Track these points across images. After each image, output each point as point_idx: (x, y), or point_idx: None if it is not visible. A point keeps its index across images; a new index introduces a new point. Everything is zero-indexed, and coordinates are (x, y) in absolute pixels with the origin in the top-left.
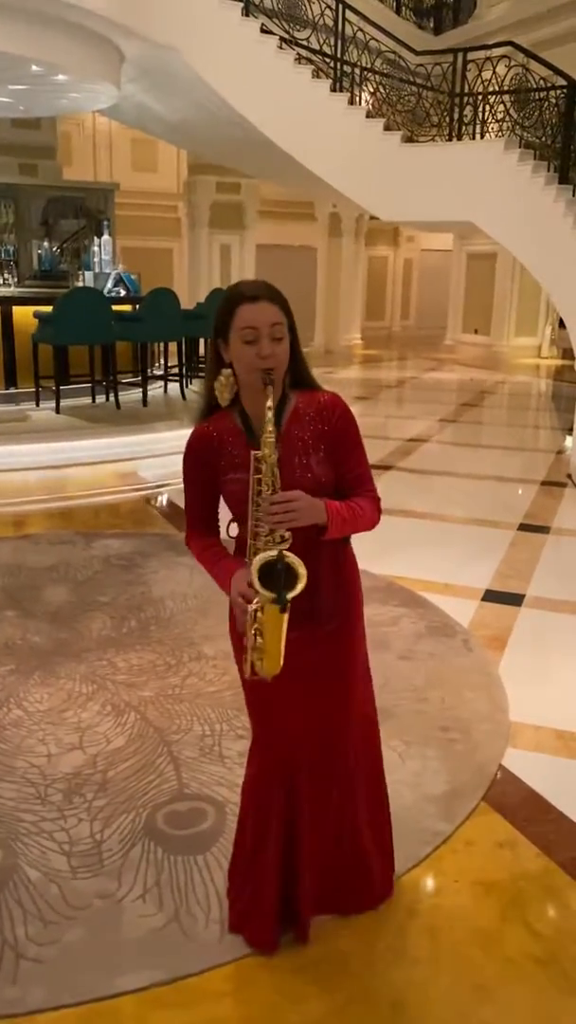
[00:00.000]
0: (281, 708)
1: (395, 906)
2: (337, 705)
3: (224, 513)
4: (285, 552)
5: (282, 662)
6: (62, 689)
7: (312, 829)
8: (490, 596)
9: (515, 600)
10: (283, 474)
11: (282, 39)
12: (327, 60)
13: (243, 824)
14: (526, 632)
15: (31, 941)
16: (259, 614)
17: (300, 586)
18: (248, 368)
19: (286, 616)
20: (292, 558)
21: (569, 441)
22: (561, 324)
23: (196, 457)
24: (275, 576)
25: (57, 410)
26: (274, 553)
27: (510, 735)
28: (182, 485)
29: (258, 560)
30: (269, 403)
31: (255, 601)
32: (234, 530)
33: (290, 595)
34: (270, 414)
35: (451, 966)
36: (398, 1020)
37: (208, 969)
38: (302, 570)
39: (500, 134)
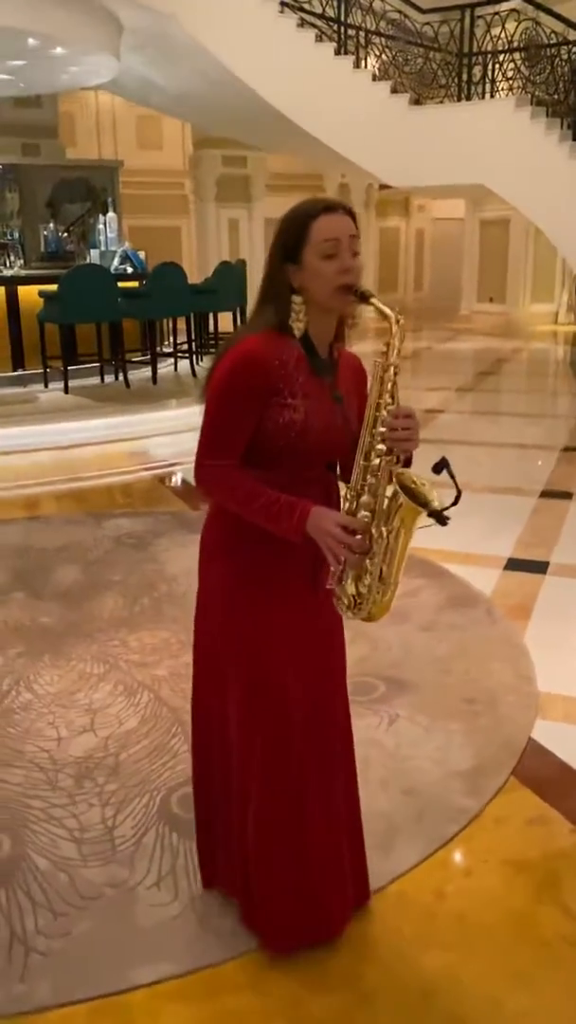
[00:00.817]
0: (290, 672)
1: (422, 889)
2: (336, 668)
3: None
4: (442, 462)
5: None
6: (73, 670)
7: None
8: (513, 565)
9: (539, 568)
10: (344, 413)
11: (283, 3)
12: (331, 24)
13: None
14: (552, 600)
15: (40, 933)
16: (392, 539)
17: (451, 500)
18: (329, 284)
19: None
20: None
21: None
22: None
23: (255, 370)
24: (419, 493)
25: (66, 390)
26: (411, 474)
27: (539, 706)
28: (212, 405)
29: (398, 475)
30: (388, 312)
31: (379, 529)
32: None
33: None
34: (399, 322)
35: (483, 951)
36: (429, 1010)
37: (226, 960)
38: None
39: (510, 92)
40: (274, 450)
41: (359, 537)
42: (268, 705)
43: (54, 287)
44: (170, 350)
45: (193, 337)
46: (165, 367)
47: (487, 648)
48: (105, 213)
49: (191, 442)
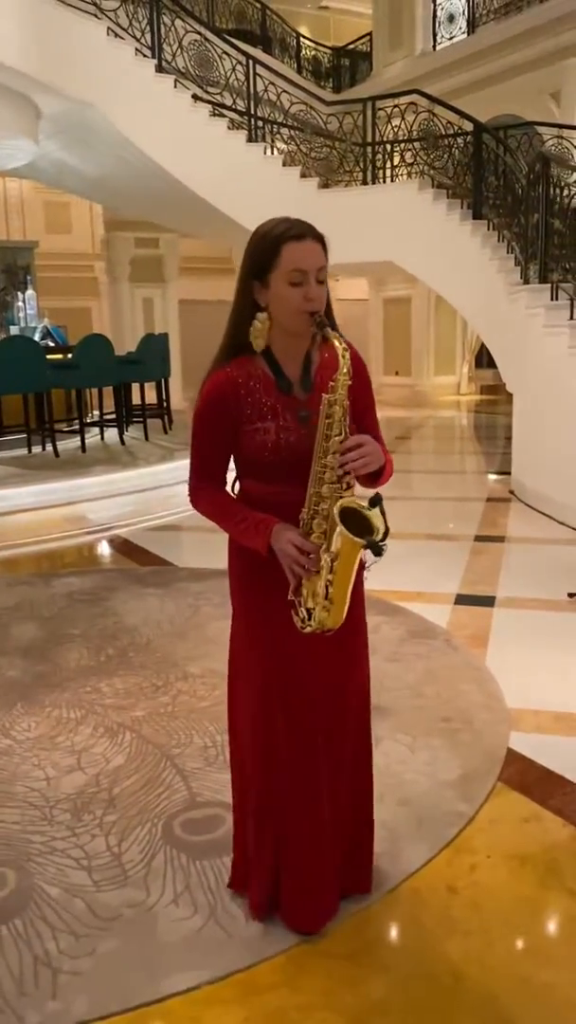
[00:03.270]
0: (304, 668)
1: (434, 886)
2: (351, 664)
3: (225, 474)
4: (376, 498)
5: (345, 614)
6: (49, 716)
7: (332, 796)
8: (462, 600)
9: (487, 602)
10: (311, 433)
11: (196, 96)
12: (241, 115)
13: (288, 800)
14: (504, 629)
15: (64, 955)
16: (334, 563)
17: (381, 532)
18: (294, 311)
19: (357, 564)
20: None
21: (492, 476)
22: (477, 363)
23: (219, 405)
24: (359, 522)
25: None
26: (359, 501)
27: (511, 720)
28: (191, 438)
29: (340, 505)
30: (342, 345)
31: (326, 549)
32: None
33: (380, 541)
34: (346, 356)
35: (503, 934)
36: (461, 990)
37: (257, 963)
38: (382, 519)
39: (409, 177)
40: (259, 467)
41: (311, 557)
42: (283, 695)
43: None
44: (94, 420)
45: (119, 407)
46: (91, 436)
47: (453, 673)
48: (24, 291)
49: (126, 506)
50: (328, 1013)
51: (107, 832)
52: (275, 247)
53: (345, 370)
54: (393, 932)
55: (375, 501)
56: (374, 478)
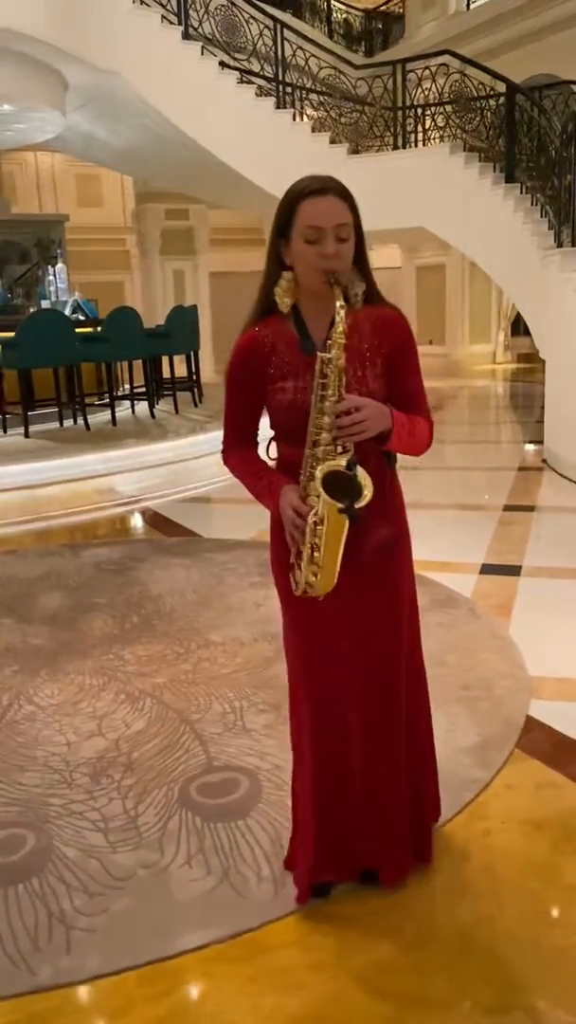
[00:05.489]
0: (326, 633)
1: (446, 850)
2: (383, 637)
3: (256, 434)
4: (351, 461)
5: (336, 579)
6: (72, 683)
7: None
8: (488, 569)
9: (513, 571)
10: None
11: (223, 63)
12: (270, 81)
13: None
14: (529, 598)
15: (79, 913)
16: (319, 527)
17: (367, 497)
18: (310, 269)
19: (345, 529)
20: (359, 468)
21: (529, 446)
22: (513, 331)
23: (245, 362)
24: (342, 486)
25: (26, 434)
26: (341, 462)
27: (532, 688)
28: (224, 396)
29: (323, 469)
30: (340, 303)
31: (313, 513)
32: (274, 451)
33: (357, 506)
34: (342, 313)
35: (514, 899)
36: (470, 952)
37: (267, 923)
38: (368, 481)
39: (442, 140)
40: (283, 428)
41: (304, 520)
42: (321, 675)
43: (10, 334)
44: (124, 393)
45: (149, 380)
46: (122, 410)
47: (475, 642)
48: (54, 264)
49: (156, 478)
50: (337, 972)
51: (124, 795)
52: (293, 204)
53: (340, 329)
54: (403, 897)
55: (351, 464)
56: (380, 442)
